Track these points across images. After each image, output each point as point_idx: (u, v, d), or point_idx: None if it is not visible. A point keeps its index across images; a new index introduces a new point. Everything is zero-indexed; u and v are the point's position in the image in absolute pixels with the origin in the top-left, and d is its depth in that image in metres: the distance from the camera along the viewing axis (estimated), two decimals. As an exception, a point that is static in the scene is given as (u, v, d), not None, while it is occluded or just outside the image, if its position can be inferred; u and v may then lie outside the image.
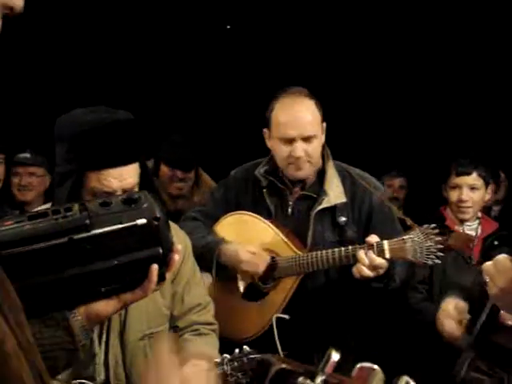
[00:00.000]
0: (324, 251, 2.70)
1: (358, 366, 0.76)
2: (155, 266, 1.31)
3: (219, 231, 2.97)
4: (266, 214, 2.92)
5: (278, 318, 2.82)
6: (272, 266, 2.84)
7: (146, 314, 2.28)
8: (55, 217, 1.28)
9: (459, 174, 3.45)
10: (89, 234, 1.27)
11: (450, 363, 2.48)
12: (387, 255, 2.57)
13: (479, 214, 3.55)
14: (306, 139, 2.79)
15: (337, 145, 3.00)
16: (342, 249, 2.65)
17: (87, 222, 1.27)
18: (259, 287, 2.91)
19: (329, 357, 0.77)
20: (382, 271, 2.59)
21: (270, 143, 2.92)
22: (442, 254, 2.54)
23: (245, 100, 5.64)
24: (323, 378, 0.75)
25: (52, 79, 5.68)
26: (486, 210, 4.15)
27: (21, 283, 1.18)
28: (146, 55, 5.95)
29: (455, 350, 2.72)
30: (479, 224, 3.51)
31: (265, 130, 2.93)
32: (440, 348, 2.98)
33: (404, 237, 2.59)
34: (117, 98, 3.16)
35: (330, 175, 2.88)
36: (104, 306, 1.36)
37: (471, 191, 3.43)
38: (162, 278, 1.36)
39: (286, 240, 2.85)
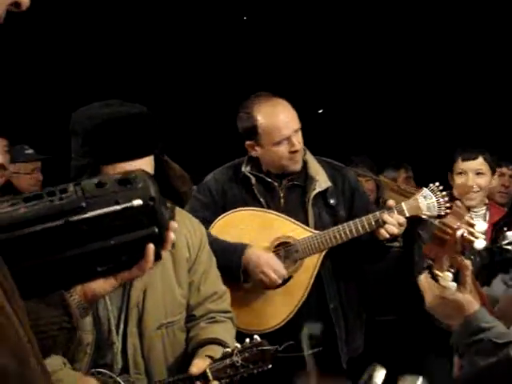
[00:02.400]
0: (346, 224, 2.88)
1: (401, 379, 0.70)
2: (152, 246, 1.32)
3: (221, 232, 2.96)
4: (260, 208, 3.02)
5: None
6: (291, 249, 2.92)
7: (164, 303, 2.30)
8: (50, 198, 1.27)
9: (465, 160, 3.43)
10: (85, 215, 1.26)
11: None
12: (406, 214, 2.87)
13: (486, 201, 3.53)
14: (296, 132, 2.96)
15: (340, 138, 3.07)
16: (364, 217, 2.87)
17: (83, 204, 1.26)
18: None
19: (373, 374, 0.70)
20: (403, 229, 2.87)
21: (259, 152, 3.01)
22: (449, 205, 2.82)
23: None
24: None
25: (59, 74, 5.72)
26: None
27: (18, 265, 1.21)
28: (161, 48, 5.98)
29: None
30: (487, 210, 3.50)
31: (249, 143, 3.01)
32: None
33: (416, 196, 2.91)
34: (133, 92, 3.20)
35: (312, 164, 3.06)
36: (101, 285, 1.38)
37: (477, 176, 3.41)
38: (158, 256, 1.36)
39: (297, 223, 2.95)
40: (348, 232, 2.87)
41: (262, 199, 3.01)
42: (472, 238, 1.75)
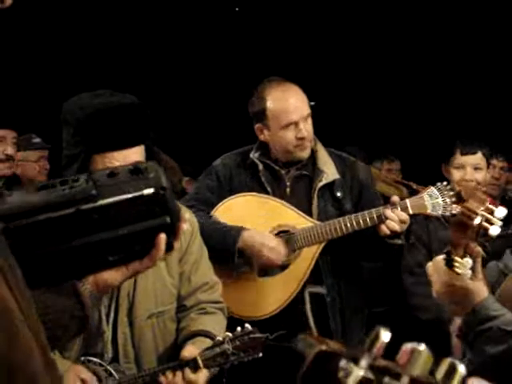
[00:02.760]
0: (347, 216, 2.84)
1: (403, 347, 0.68)
2: (163, 235, 1.31)
3: (223, 215, 2.98)
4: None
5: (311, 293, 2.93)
6: (291, 237, 2.91)
7: (154, 292, 2.31)
8: (63, 187, 1.28)
9: (464, 154, 3.42)
10: (96, 204, 1.26)
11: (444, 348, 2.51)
12: (410, 211, 2.80)
13: None
14: (305, 119, 2.94)
15: (330, 129, 3.08)
16: (366, 212, 2.82)
17: (94, 192, 1.26)
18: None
19: (377, 337, 0.68)
20: (405, 226, 2.81)
21: (267, 136, 3.00)
22: (456, 205, 2.70)
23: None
24: (369, 361, 0.67)
25: (58, 65, 5.71)
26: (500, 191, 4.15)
27: (30, 254, 1.23)
28: (154, 40, 5.97)
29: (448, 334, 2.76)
30: None
31: (258, 126, 3.01)
32: (435, 333, 3.02)
33: (422, 194, 2.84)
34: (125, 83, 3.20)
35: (322, 154, 3.03)
36: (113, 275, 1.38)
37: (475, 171, 3.40)
38: (169, 247, 1.36)
39: (299, 212, 2.93)
40: (349, 225, 2.83)
41: (268, 186, 3.00)
42: (487, 225, 1.73)
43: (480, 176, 3.41)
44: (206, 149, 3.27)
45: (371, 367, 0.67)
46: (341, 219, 2.84)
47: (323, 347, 0.68)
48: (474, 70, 5.75)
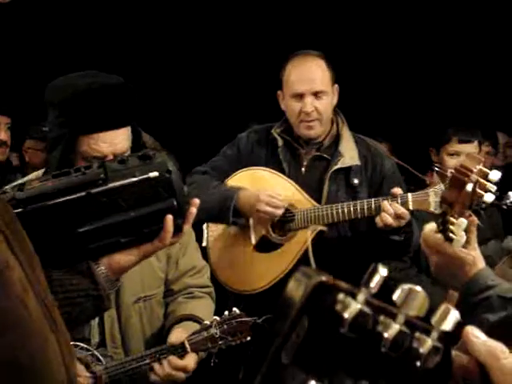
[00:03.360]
0: (346, 203, 2.76)
1: (400, 288, 0.68)
2: (170, 217, 1.38)
3: (232, 184, 3.00)
4: (280, 172, 2.98)
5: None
6: (289, 217, 2.89)
7: (141, 276, 2.28)
8: (75, 174, 1.38)
9: (461, 142, 3.42)
10: (105, 187, 1.36)
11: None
12: (410, 206, 2.65)
13: None
14: (316, 95, 2.88)
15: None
16: (365, 200, 2.73)
17: (102, 176, 1.35)
18: (272, 239, 2.95)
19: (374, 271, 0.68)
20: (403, 222, 2.66)
21: (283, 104, 3.00)
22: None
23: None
24: (366, 296, 0.67)
25: (52, 50, 5.67)
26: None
27: (45, 235, 1.31)
28: (146, 24, 5.92)
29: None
30: None
31: (279, 92, 3.02)
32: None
33: (427, 190, 2.70)
34: (118, 66, 3.16)
35: (345, 138, 2.97)
36: (126, 257, 1.43)
37: None
38: (178, 228, 1.43)
39: (303, 193, 2.90)
40: (346, 212, 2.74)
41: (284, 164, 2.97)
42: (482, 192, 1.71)
43: None
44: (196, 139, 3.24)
45: (368, 303, 0.68)
46: (339, 205, 2.77)
47: (323, 279, 0.68)
48: (463, 53, 5.76)
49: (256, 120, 3.27)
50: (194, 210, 1.43)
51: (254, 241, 2.97)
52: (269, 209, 2.82)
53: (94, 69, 2.16)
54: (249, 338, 2.27)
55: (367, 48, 5.88)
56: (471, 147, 3.40)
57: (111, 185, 1.36)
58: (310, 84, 2.88)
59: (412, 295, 0.69)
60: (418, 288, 0.69)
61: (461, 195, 1.66)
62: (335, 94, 2.97)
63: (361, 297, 0.68)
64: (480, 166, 1.69)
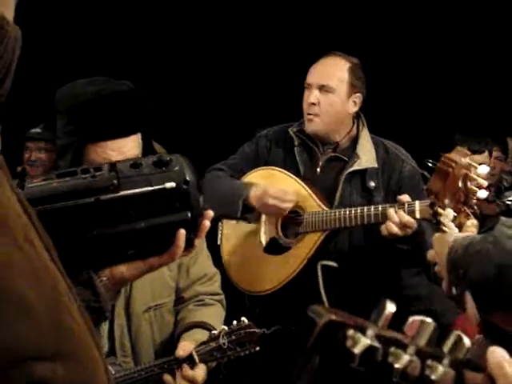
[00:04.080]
0: (353, 208, 2.70)
1: (410, 319, 0.72)
2: (183, 231, 1.28)
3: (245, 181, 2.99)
4: (295, 172, 2.94)
5: (323, 265, 2.85)
6: (298, 220, 2.87)
7: (152, 285, 2.27)
8: (84, 176, 1.26)
9: (473, 152, 3.37)
10: (116, 195, 1.24)
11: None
12: (417, 215, 2.55)
13: None
14: (322, 89, 2.86)
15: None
16: (372, 207, 2.67)
17: (115, 182, 1.24)
18: (281, 242, 2.93)
19: (383, 308, 0.71)
20: (410, 231, 2.58)
21: None
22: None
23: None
24: (375, 332, 0.70)
25: (61, 54, 5.68)
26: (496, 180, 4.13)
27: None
28: (152, 26, 5.92)
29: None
30: None
31: None
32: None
33: None
34: (125, 71, 3.16)
35: (363, 140, 2.92)
36: (130, 269, 1.35)
37: None
38: (190, 243, 1.33)
39: (313, 196, 2.86)
40: (353, 217, 2.68)
41: (300, 163, 2.94)
42: (475, 188, 1.69)
43: None
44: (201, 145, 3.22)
45: (378, 337, 0.70)
46: (347, 210, 2.71)
47: (332, 317, 0.70)
48: (472, 60, 5.72)
49: (264, 126, 3.23)
50: (207, 224, 1.34)
51: (264, 242, 2.95)
52: (277, 202, 2.80)
53: (99, 74, 2.14)
54: (257, 349, 2.25)
55: (378, 55, 5.85)
56: (482, 157, 3.37)
57: (123, 193, 1.25)
58: (319, 77, 2.89)
59: (423, 326, 0.71)
60: (429, 319, 0.71)
61: (446, 185, 1.66)
62: (353, 102, 2.91)
63: (370, 332, 0.69)
64: (467, 160, 1.69)
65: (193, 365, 2.16)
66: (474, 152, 3.39)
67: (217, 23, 5.87)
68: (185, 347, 2.19)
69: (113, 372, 2.18)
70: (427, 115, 5.58)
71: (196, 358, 2.16)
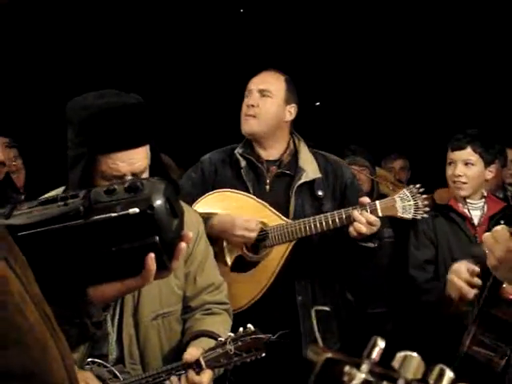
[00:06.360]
0: (317, 216, 2.84)
1: (397, 355, 0.77)
2: (151, 255, 1.30)
3: (202, 209, 2.99)
4: (245, 192, 3.03)
5: (317, 310, 2.97)
6: (263, 236, 2.93)
7: (159, 294, 2.30)
8: (60, 203, 1.32)
9: (454, 149, 3.38)
10: (82, 221, 1.29)
11: (456, 343, 2.50)
12: (379, 213, 2.79)
13: (485, 193, 3.46)
14: (262, 93, 3.03)
15: (337, 128, 3.07)
16: (335, 212, 2.82)
17: (81, 209, 1.29)
18: (248, 258, 2.98)
19: (374, 344, 0.77)
20: (375, 229, 2.78)
21: None
22: (428, 209, 2.84)
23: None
24: (369, 366, 0.75)
25: (62, 67, 5.72)
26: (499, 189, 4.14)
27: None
28: (158, 40, 5.97)
29: (461, 328, 2.73)
30: (485, 203, 3.44)
31: None
32: (446, 328, 2.99)
33: (394, 196, 2.86)
34: (130, 84, 3.20)
35: (303, 154, 3.08)
36: (109, 289, 1.38)
37: (465, 166, 3.34)
38: (162, 266, 1.34)
39: (273, 210, 2.95)
40: (318, 225, 2.82)
41: (248, 183, 3.04)
42: None
43: (471, 172, 3.35)
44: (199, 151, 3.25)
45: (371, 372, 0.75)
46: (310, 219, 2.85)
47: (330, 355, 0.77)
48: (480, 66, 5.74)
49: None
50: (183, 246, 1.35)
51: (229, 262, 2.99)
52: (246, 233, 2.87)
53: (108, 87, 2.19)
54: (263, 355, 2.28)
55: (384, 64, 5.88)
56: (464, 154, 3.33)
57: (89, 220, 1.29)
58: (260, 82, 3.06)
59: (408, 360, 0.76)
60: (414, 354, 0.76)
61: None
62: (289, 112, 3.07)
63: (364, 367, 0.75)
64: None
65: (199, 370, 2.19)
66: (455, 149, 3.39)
67: (219, 37, 5.91)
68: (192, 352, 2.23)
69: (121, 379, 2.22)
70: (433, 128, 5.60)
71: (203, 363, 2.19)
